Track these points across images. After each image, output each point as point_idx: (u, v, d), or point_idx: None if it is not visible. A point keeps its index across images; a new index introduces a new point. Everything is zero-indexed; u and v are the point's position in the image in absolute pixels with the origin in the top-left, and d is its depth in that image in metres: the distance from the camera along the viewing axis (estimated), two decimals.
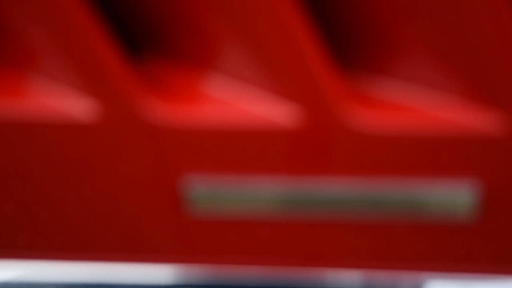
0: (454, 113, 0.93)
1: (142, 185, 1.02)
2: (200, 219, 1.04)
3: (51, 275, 1.16)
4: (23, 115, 0.97)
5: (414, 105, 0.94)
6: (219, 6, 0.89)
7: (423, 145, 0.94)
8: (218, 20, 0.91)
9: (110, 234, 1.08)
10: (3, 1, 0.91)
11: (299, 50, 0.88)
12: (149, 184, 1.02)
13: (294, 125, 0.94)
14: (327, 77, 0.90)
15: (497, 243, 1.02)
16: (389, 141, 0.94)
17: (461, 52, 0.88)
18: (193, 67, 0.98)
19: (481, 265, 1.05)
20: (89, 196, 1.04)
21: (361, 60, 0.95)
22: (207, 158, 0.98)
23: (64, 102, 0.97)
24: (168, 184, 1.01)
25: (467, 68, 0.89)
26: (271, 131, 0.95)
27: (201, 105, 0.96)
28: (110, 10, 0.96)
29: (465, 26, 0.85)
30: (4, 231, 1.10)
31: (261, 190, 0.99)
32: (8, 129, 0.99)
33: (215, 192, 1.00)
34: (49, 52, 0.93)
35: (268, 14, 0.86)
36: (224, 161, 0.98)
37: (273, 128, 0.95)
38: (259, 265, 1.09)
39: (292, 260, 1.08)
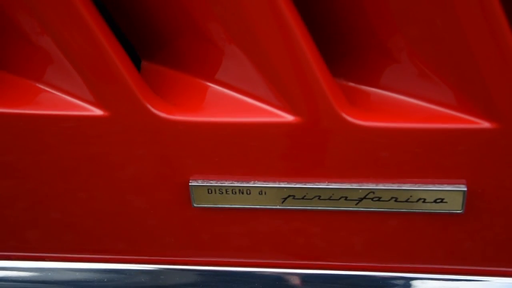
0: (446, 113, 0.93)
1: (148, 184, 1.03)
2: (202, 216, 1.06)
3: (61, 273, 1.16)
4: (34, 115, 0.99)
5: (409, 105, 0.95)
6: (220, 14, 0.90)
7: (417, 144, 0.95)
8: (219, 26, 0.92)
9: (117, 232, 1.10)
10: (19, 14, 0.93)
11: (298, 54, 0.88)
12: (155, 183, 1.03)
13: (293, 124, 0.95)
14: (325, 80, 0.90)
15: (487, 240, 1.04)
16: (383, 139, 0.95)
17: (452, 58, 0.88)
18: (195, 69, 0.99)
19: (470, 261, 1.07)
20: (97, 195, 1.05)
21: (354, 71, 0.97)
22: (209, 156, 0.99)
23: (75, 103, 0.98)
24: (172, 182, 1.02)
25: (458, 74, 0.90)
26: (271, 130, 0.96)
27: (203, 105, 0.97)
28: (116, 18, 0.99)
29: (456, 33, 0.85)
30: (15, 230, 1.12)
31: (261, 187, 1.01)
32: (19, 129, 1.00)
33: (216, 190, 1.02)
34: (63, 57, 0.94)
35: (269, 21, 0.86)
36: (225, 159, 0.99)
37: (273, 128, 0.95)
38: (259, 262, 1.11)
39: (290, 256, 1.10)
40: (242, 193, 1.01)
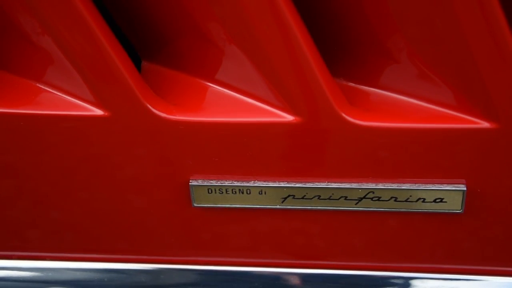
0: (446, 113, 0.93)
1: (148, 184, 1.03)
2: (202, 216, 1.06)
3: (61, 273, 1.16)
4: (34, 115, 0.98)
5: (408, 105, 0.95)
6: (220, 14, 0.90)
7: (416, 144, 0.95)
8: (219, 26, 0.92)
9: (117, 232, 1.10)
10: (19, 14, 0.93)
11: (297, 54, 0.88)
12: (155, 182, 1.03)
13: (293, 124, 0.95)
14: (324, 80, 0.90)
15: (486, 239, 1.04)
16: (382, 139, 0.95)
17: (451, 58, 0.88)
18: (195, 69, 0.99)
19: (470, 261, 1.07)
20: (97, 195, 1.05)
21: (354, 71, 0.97)
22: (209, 156, 0.99)
23: (75, 103, 0.98)
24: (172, 182, 1.03)
25: (458, 75, 0.90)
26: (271, 130, 0.96)
27: (203, 105, 0.97)
28: (116, 19, 0.99)
29: (456, 33, 0.85)
30: (16, 230, 1.12)
31: (261, 187, 1.01)
32: (19, 129, 1.00)
33: (216, 190, 1.02)
34: (63, 57, 0.94)
35: (269, 22, 0.86)
36: (225, 159, 0.99)
37: (273, 128, 0.96)
38: (259, 261, 1.11)
39: (290, 256, 1.10)
40: (242, 193, 1.01)
